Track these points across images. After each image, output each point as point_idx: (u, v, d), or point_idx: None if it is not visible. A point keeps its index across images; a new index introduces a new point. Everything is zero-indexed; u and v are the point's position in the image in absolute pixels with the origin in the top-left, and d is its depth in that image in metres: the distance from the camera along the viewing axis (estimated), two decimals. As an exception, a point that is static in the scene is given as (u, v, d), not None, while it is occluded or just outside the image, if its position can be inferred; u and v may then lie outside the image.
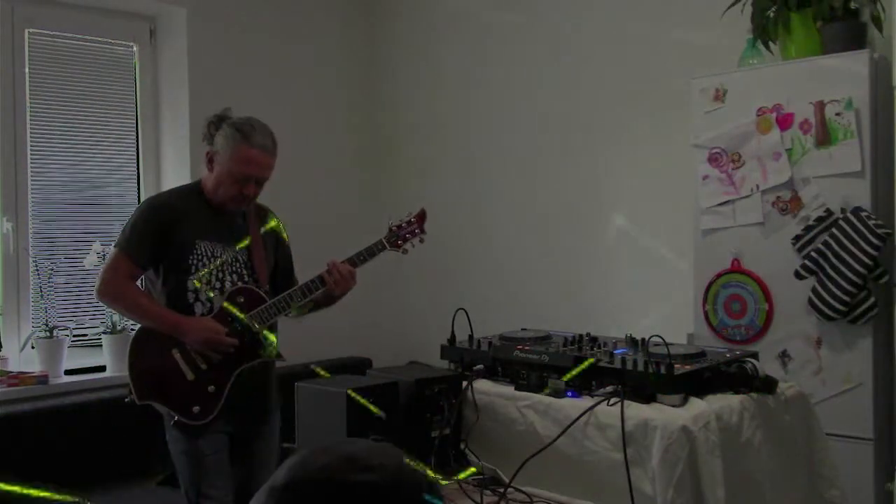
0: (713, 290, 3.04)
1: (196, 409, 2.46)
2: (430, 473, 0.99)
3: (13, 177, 3.63)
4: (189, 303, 2.52)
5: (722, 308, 3.02)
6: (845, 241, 2.71)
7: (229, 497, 2.52)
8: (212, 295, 2.52)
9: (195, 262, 2.52)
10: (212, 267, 2.54)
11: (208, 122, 2.60)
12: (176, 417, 2.48)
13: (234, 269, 2.58)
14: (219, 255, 2.55)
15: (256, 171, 2.53)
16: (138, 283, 2.60)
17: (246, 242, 2.61)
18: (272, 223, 2.76)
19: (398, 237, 2.64)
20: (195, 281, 2.51)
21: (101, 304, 2.76)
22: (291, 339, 2.91)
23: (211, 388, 2.48)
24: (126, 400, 2.51)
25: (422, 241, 2.67)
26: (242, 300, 2.54)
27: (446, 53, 4.40)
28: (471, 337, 2.38)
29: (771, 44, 3.03)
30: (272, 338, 2.58)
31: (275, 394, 2.68)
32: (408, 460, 0.94)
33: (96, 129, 3.90)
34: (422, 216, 2.68)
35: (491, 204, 4.19)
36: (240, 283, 2.56)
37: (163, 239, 2.51)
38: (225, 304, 2.52)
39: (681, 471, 1.79)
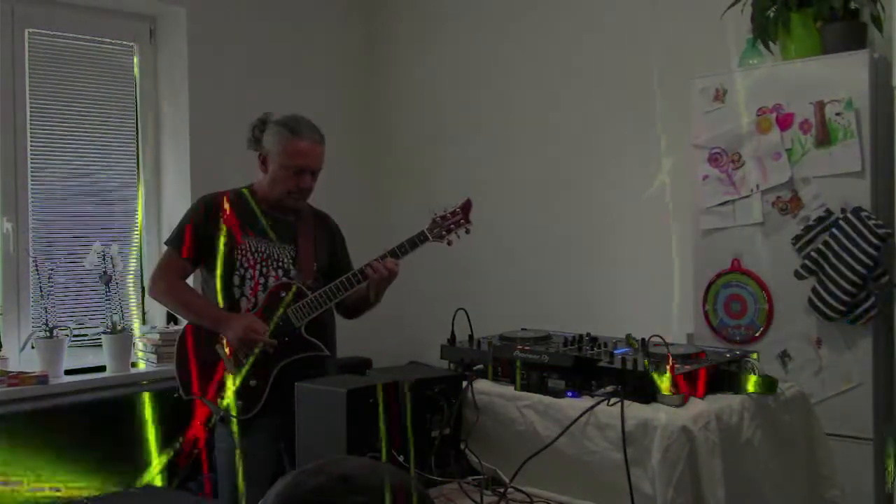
0: (713, 290, 3.04)
1: (239, 403, 2.52)
2: (431, 474, 0.98)
3: (13, 177, 3.63)
4: (236, 298, 2.60)
5: (722, 308, 3.02)
6: (845, 241, 2.71)
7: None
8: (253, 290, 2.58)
9: (240, 256, 2.60)
10: (256, 262, 2.61)
11: (252, 126, 2.68)
12: (221, 413, 2.54)
13: (279, 264, 2.63)
14: (264, 250, 2.63)
15: (310, 162, 2.62)
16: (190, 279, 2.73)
17: (292, 239, 2.67)
18: (328, 224, 2.82)
19: (442, 228, 2.62)
20: (238, 276, 2.59)
21: (152, 298, 2.85)
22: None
23: (252, 383, 2.53)
24: (175, 395, 2.62)
25: (468, 231, 2.64)
26: (284, 295, 2.58)
27: (446, 53, 4.40)
28: (471, 337, 2.38)
29: (771, 44, 3.03)
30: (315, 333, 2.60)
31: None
32: (403, 478, 0.93)
33: (96, 129, 3.90)
34: (467, 206, 2.66)
35: (491, 204, 4.18)
36: (284, 279, 2.61)
37: (210, 236, 2.60)
38: (267, 300, 2.58)
39: (681, 471, 1.79)
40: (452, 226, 2.63)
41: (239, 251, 2.60)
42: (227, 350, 2.56)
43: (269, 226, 2.66)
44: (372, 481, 0.89)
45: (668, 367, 1.93)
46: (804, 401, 2.22)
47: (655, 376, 1.92)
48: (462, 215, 2.64)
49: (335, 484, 0.89)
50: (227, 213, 2.64)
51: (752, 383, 2.04)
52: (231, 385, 2.55)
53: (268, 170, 2.65)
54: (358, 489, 0.88)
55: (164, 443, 3.50)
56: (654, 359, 2.00)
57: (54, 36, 3.78)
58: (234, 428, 2.56)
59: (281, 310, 2.55)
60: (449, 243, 2.63)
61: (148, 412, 3.52)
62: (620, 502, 1.85)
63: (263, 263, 2.62)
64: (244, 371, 2.56)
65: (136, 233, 4.05)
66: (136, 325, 3.94)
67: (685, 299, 3.18)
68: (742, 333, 2.97)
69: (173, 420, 3.42)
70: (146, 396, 3.56)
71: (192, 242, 2.63)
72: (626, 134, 3.69)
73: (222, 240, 2.60)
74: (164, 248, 2.76)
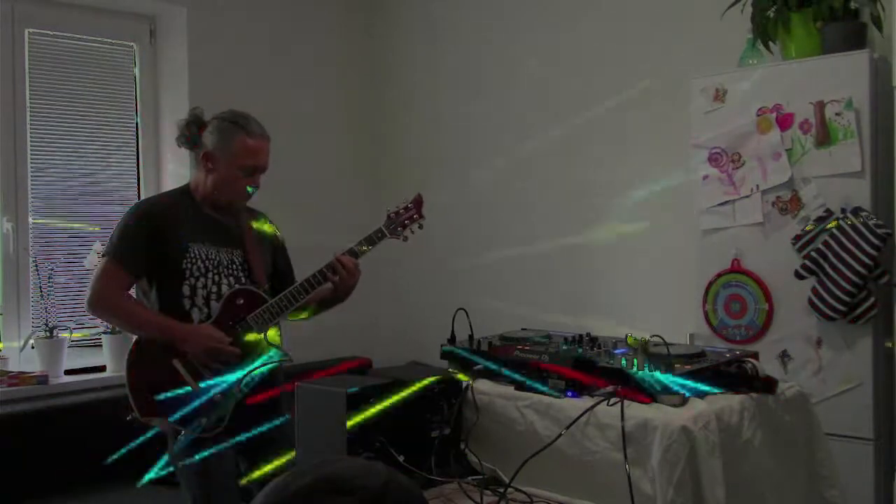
0: (713, 290, 3.04)
1: (203, 420, 2.37)
2: (431, 474, 0.98)
3: (13, 177, 3.63)
4: (186, 309, 2.43)
5: (722, 308, 3.02)
6: (845, 241, 2.71)
7: None
8: (208, 300, 2.44)
9: (189, 265, 2.43)
10: (206, 270, 2.46)
11: (186, 123, 2.53)
12: (182, 432, 2.37)
13: (230, 271, 2.50)
14: (213, 257, 2.47)
15: (262, 160, 2.52)
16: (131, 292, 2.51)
17: (239, 243, 2.54)
18: (266, 225, 2.69)
19: (397, 224, 2.60)
20: (188, 286, 2.43)
21: (93, 316, 2.66)
22: (291, 340, 2.90)
23: (217, 398, 2.39)
24: (128, 418, 2.42)
25: (421, 226, 2.63)
26: (241, 302, 2.46)
27: (446, 53, 4.40)
28: (471, 337, 2.38)
29: (771, 44, 3.03)
30: (277, 339, 2.52)
31: (284, 397, 2.54)
32: (394, 478, 0.92)
33: (96, 129, 3.90)
34: (419, 201, 2.64)
35: (491, 204, 4.19)
36: (237, 285, 2.49)
37: (155, 244, 2.42)
38: (223, 308, 2.43)
39: (681, 471, 1.79)
40: (407, 221, 2.60)
41: (187, 260, 2.42)
42: (183, 364, 2.40)
43: (215, 230, 2.51)
44: (361, 482, 0.89)
45: (668, 367, 1.93)
46: (804, 401, 2.22)
47: (655, 376, 1.92)
48: (415, 210, 2.62)
49: (320, 485, 0.88)
50: (172, 218, 2.46)
51: (752, 383, 2.04)
52: (192, 401, 2.38)
53: (211, 170, 2.48)
54: (344, 490, 0.87)
55: (164, 443, 3.49)
56: (654, 359, 2.00)
57: (54, 36, 3.78)
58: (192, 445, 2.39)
59: (242, 318, 2.42)
60: (405, 239, 2.61)
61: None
62: (620, 502, 1.85)
63: (214, 271, 2.46)
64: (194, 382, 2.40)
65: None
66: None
67: (685, 299, 3.19)
68: (742, 333, 2.97)
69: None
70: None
71: (135, 253, 2.41)
72: (626, 134, 3.69)
73: (168, 248, 2.42)
74: (101, 259, 2.49)
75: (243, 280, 2.51)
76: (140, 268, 2.44)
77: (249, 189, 2.53)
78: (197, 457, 2.39)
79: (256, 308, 2.47)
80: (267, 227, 2.70)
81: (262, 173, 2.54)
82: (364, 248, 2.55)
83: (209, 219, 2.53)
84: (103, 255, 2.48)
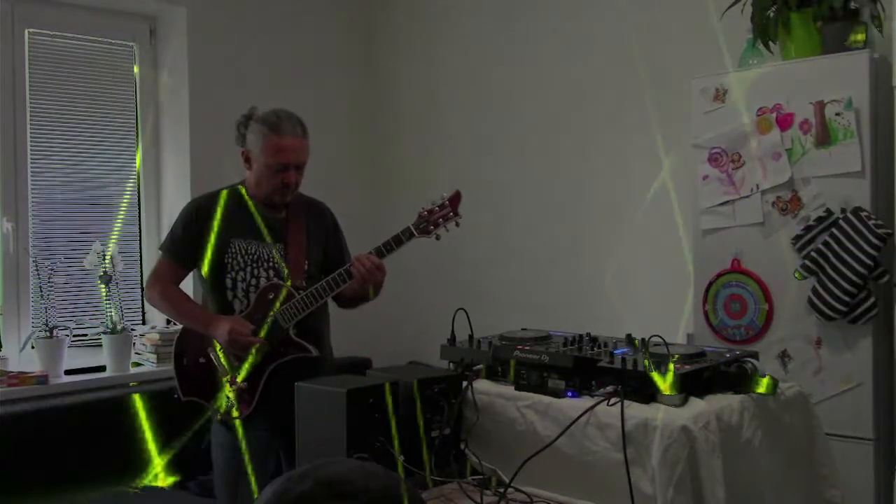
0: (713, 290, 3.04)
1: (231, 405, 2.54)
2: (431, 474, 0.98)
3: (13, 177, 3.63)
4: (228, 301, 2.61)
5: (722, 308, 3.02)
6: (845, 241, 2.71)
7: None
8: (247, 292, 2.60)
9: (230, 260, 2.60)
10: (245, 264, 2.60)
11: (237, 123, 2.66)
12: (218, 415, 2.57)
13: (270, 265, 2.62)
14: (253, 251, 2.62)
15: (292, 158, 2.59)
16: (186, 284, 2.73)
17: (282, 237, 2.65)
18: (318, 216, 2.79)
19: (428, 222, 2.55)
20: (230, 279, 2.60)
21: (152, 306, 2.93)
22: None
23: (244, 385, 2.54)
24: (174, 396, 2.65)
25: (457, 224, 2.58)
26: (272, 296, 2.57)
27: (446, 52, 4.40)
28: (471, 337, 2.38)
29: (771, 44, 3.03)
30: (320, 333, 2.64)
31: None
32: (393, 481, 0.92)
33: (96, 129, 3.90)
34: (456, 198, 2.58)
35: (491, 204, 4.19)
36: (274, 279, 2.60)
37: (201, 240, 2.60)
38: (256, 302, 2.58)
39: (681, 471, 1.79)
40: (440, 219, 2.55)
41: (228, 254, 2.60)
42: (218, 352, 2.58)
43: (260, 224, 2.65)
44: (359, 486, 0.89)
45: (668, 367, 1.93)
46: (804, 401, 2.22)
47: (655, 376, 1.92)
48: (451, 208, 2.57)
49: (320, 490, 0.88)
50: (218, 215, 2.63)
51: (752, 383, 2.04)
52: (224, 386, 2.56)
53: (252, 168, 2.64)
54: (343, 495, 0.87)
55: (164, 443, 3.50)
56: (654, 359, 1.99)
57: (54, 36, 3.78)
58: (238, 427, 2.56)
59: (272, 311, 2.54)
60: (437, 238, 2.57)
61: (148, 412, 3.52)
62: (620, 502, 1.85)
63: (254, 265, 2.61)
64: (242, 371, 2.56)
65: (135, 233, 4.05)
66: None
67: (685, 299, 3.18)
68: (742, 333, 2.97)
69: (173, 420, 3.42)
70: (146, 397, 3.56)
71: (184, 247, 2.64)
72: (627, 134, 3.69)
73: (212, 243, 2.60)
74: (158, 253, 2.78)
75: (282, 273, 2.62)
76: (188, 261, 2.66)
77: (283, 186, 2.60)
78: (227, 438, 2.58)
79: (286, 303, 2.56)
80: (322, 217, 2.79)
81: (299, 169, 2.62)
82: (390, 247, 2.55)
83: (254, 214, 2.65)
84: (159, 249, 2.77)
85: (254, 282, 2.60)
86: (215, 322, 2.55)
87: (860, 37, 2.80)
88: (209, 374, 2.59)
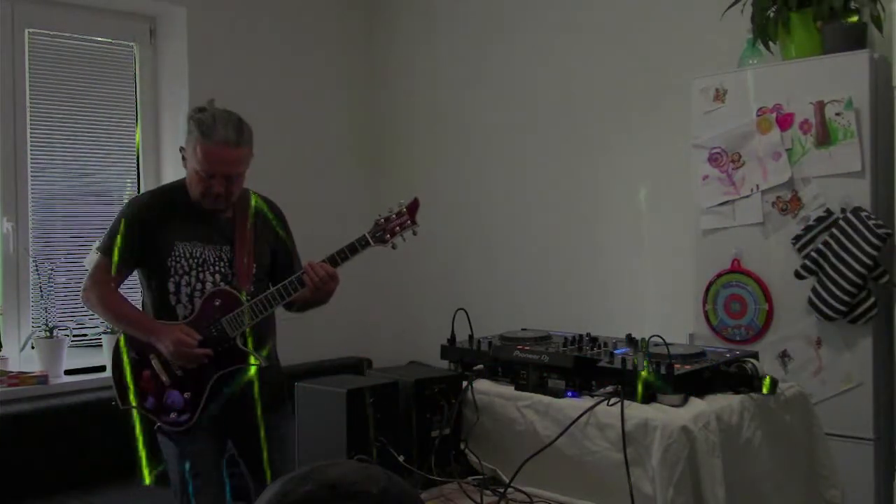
0: (713, 290, 3.04)
1: (173, 415, 2.43)
2: (431, 474, 0.98)
3: (13, 177, 3.63)
4: (171, 305, 2.46)
5: (722, 308, 3.02)
6: (845, 241, 2.71)
7: None
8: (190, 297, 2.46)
9: (173, 263, 2.45)
10: (190, 268, 2.47)
11: (187, 116, 2.50)
12: (158, 424, 2.47)
13: (216, 268, 2.49)
14: (198, 255, 2.47)
15: (218, 168, 2.40)
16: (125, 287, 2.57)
17: (229, 239, 2.51)
18: (268, 217, 2.63)
19: (385, 231, 2.44)
20: (173, 283, 2.46)
21: (84, 308, 2.77)
22: (291, 339, 2.90)
23: (187, 395, 2.44)
24: (112, 404, 2.53)
25: (414, 233, 2.46)
26: (219, 303, 2.44)
27: (446, 52, 4.40)
28: (471, 337, 2.38)
29: (771, 44, 3.03)
30: (249, 344, 2.48)
31: (267, 399, 2.56)
32: (394, 482, 0.92)
33: (96, 128, 3.90)
34: (413, 206, 2.45)
35: (491, 204, 4.19)
36: (221, 284, 2.48)
37: (142, 241, 2.46)
38: (201, 308, 2.44)
39: (681, 471, 1.79)
40: (397, 227, 2.43)
41: (172, 257, 2.45)
42: (159, 360, 2.46)
43: (205, 226, 2.50)
44: (361, 487, 0.89)
45: (668, 367, 1.93)
46: (804, 401, 2.22)
47: (655, 376, 1.92)
48: (408, 216, 2.44)
49: (323, 492, 0.88)
50: (161, 215, 2.48)
51: (752, 383, 2.04)
52: (165, 396, 2.45)
53: (186, 168, 2.49)
54: (346, 496, 0.88)
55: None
56: (654, 359, 2.00)
57: (54, 36, 3.78)
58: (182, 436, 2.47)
59: (219, 319, 2.43)
60: (393, 247, 2.45)
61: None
62: (620, 502, 1.85)
63: (199, 269, 2.47)
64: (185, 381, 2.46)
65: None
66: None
67: (685, 299, 3.19)
68: (742, 333, 2.97)
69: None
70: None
71: (124, 249, 2.47)
72: (627, 134, 3.69)
73: (155, 245, 2.46)
74: (96, 253, 2.59)
75: (229, 278, 2.49)
76: (127, 263, 2.50)
77: (209, 194, 2.43)
78: (174, 448, 2.48)
79: (233, 310, 2.45)
80: (267, 217, 2.63)
81: (231, 179, 2.43)
82: (344, 256, 2.44)
83: (200, 214, 2.49)
84: (96, 251, 2.56)
85: (199, 286, 2.46)
86: (159, 331, 2.41)
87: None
88: (148, 383, 2.46)
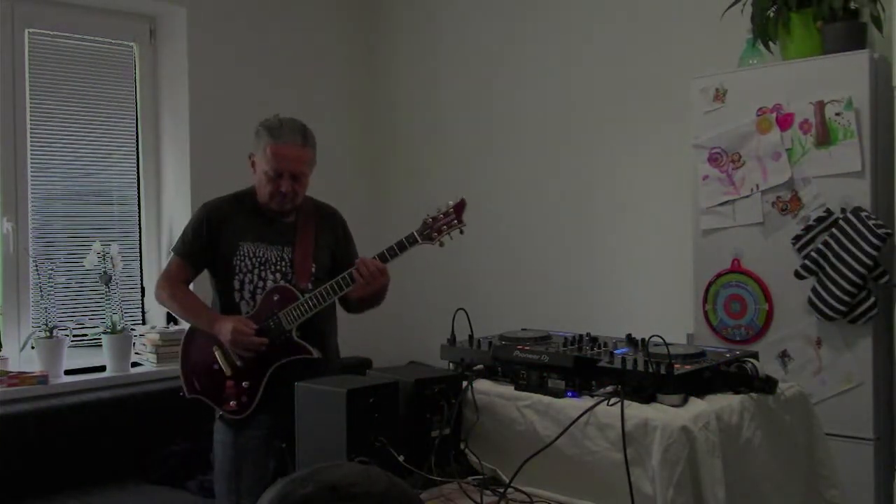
0: (713, 290, 3.04)
1: (233, 403, 2.58)
2: (431, 474, 0.98)
3: (13, 177, 3.63)
4: (236, 302, 2.65)
5: (722, 308, 3.02)
6: (845, 241, 2.71)
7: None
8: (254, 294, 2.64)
9: (238, 262, 2.65)
10: (253, 266, 2.65)
11: (256, 128, 2.69)
12: (219, 412, 2.63)
13: (277, 268, 2.67)
14: (261, 255, 2.66)
15: (286, 166, 2.60)
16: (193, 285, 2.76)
17: (291, 241, 2.68)
18: (328, 221, 2.81)
19: (432, 229, 2.55)
20: (238, 281, 2.64)
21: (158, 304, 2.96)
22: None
23: (245, 384, 2.59)
24: (180, 394, 2.70)
25: (461, 232, 2.57)
26: (277, 298, 2.61)
27: (446, 53, 4.40)
28: (471, 337, 2.38)
29: (771, 44, 3.03)
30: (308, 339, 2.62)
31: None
32: (394, 484, 0.92)
33: (96, 129, 3.90)
34: (460, 206, 2.57)
35: (491, 204, 4.19)
36: (281, 282, 2.64)
37: (210, 242, 2.67)
38: (261, 303, 2.62)
39: (681, 471, 1.79)
40: (444, 227, 2.55)
41: (237, 257, 2.65)
42: (221, 351, 2.62)
43: (268, 228, 2.69)
44: (362, 489, 0.89)
45: (668, 367, 1.93)
46: (804, 401, 2.22)
47: (655, 376, 1.92)
48: (455, 216, 2.56)
49: (324, 494, 0.88)
50: (228, 218, 2.69)
51: (752, 383, 2.04)
52: (227, 385, 2.60)
53: (255, 172, 2.68)
54: (347, 497, 0.88)
55: (164, 443, 3.50)
56: (654, 359, 1.99)
57: (54, 36, 3.78)
58: (239, 425, 2.59)
59: (274, 313, 2.59)
60: (441, 244, 2.56)
61: (148, 412, 3.52)
62: (620, 502, 1.85)
63: (261, 268, 2.66)
64: (245, 371, 2.60)
65: (135, 233, 4.05)
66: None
67: (685, 299, 3.19)
68: (742, 333, 2.97)
69: (173, 420, 3.43)
70: (146, 397, 3.56)
71: (194, 249, 2.70)
72: (627, 134, 3.69)
73: (222, 246, 2.66)
74: (171, 254, 2.84)
75: (289, 276, 2.66)
76: (197, 262, 2.72)
77: (277, 193, 2.61)
78: (228, 435, 2.63)
79: (290, 304, 2.59)
80: (332, 222, 2.82)
81: (297, 178, 2.63)
82: (393, 252, 2.55)
83: (264, 217, 2.69)
84: (171, 250, 2.81)
85: (261, 284, 2.65)
86: (220, 322, 2.60)
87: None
88: (213, 373, 2.63)
